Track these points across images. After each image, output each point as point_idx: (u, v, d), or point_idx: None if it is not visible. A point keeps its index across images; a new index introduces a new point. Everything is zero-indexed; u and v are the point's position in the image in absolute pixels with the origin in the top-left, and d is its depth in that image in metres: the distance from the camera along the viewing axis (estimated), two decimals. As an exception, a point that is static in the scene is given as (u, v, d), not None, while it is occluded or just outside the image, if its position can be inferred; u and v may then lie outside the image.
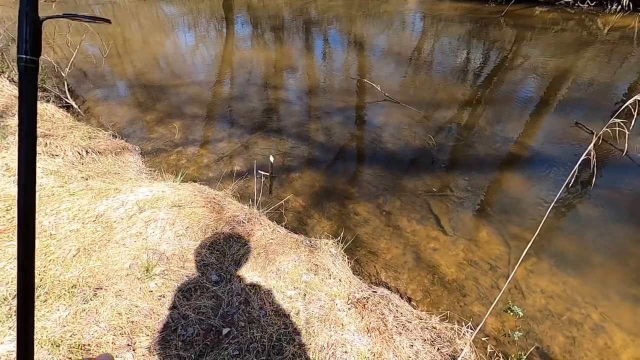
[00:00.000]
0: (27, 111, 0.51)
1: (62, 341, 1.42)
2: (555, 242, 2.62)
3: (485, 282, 2.36)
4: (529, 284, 2.34)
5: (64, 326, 1.48)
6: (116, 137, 3.91)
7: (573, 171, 1.07)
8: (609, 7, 8.32)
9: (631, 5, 8.06)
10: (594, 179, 2.78)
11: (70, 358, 1.35)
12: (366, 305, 1.65)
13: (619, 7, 8.20)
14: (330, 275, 1.87)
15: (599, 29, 7.32)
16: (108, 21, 0.62)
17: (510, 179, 3.28)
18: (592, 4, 8.53)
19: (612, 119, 1.01)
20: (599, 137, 1.05)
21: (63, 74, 4.49)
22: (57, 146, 3.02)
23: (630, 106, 0.96)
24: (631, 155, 3.38)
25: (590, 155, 1.01)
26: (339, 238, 2.38)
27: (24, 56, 0.51)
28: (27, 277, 0.54)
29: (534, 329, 2.07)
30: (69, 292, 1.65)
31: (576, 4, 8.65)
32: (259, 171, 3.16)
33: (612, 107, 4.35)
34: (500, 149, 3.65)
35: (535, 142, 3.76)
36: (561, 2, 8.79)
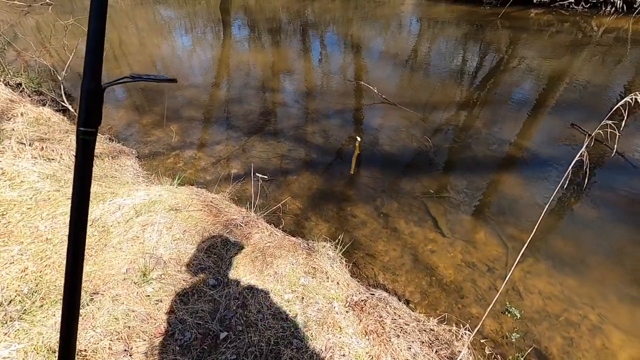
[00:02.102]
0: (80, 178, 0.54)
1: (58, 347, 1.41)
2: (552, 243, 2.63)
3: (483, 284, 2.37)
4: (526, 285, 2.34)
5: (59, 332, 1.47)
6: (113, 140, 3.90)
7: (567, 172, 1.08)
8: (603, 9, 8.39)
9: (625, 7, 8.13)
10: (587, 180, 2.81)
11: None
12: (364, 308, 1.65)
13: (613, 9, 8.26)
14: (328, 278, 1.86)
15: (594, 30, 7.38)
16: (174, 81, 0.60)
17: (507, 180, 3.29)
18: (587, 6, 8.60)
19: (604, 121, 1.02)
20: (592, 139, 1.06)
21: (59, 78, 4.47)
22: (53, 150, 3.01)
23: (621, 107, 0.97)
24: (627, 157, 3.40)
25: (583, 157, 1.02)
26: (337, 240, 2.38)
27: (83, 128, 0.52)
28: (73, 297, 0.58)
29: (531, 330, 2.07)
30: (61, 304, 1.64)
31: (571, 6, 8.72)
32: (257, 174, 3.16)
33: (607, 109, 4.38)
34: (497, 151, 3.67)
35: (531, 144, 3.78)
36: (556, 4, 8.85)
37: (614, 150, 3.03)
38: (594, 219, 2.82)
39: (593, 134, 1.08)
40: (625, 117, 1.03)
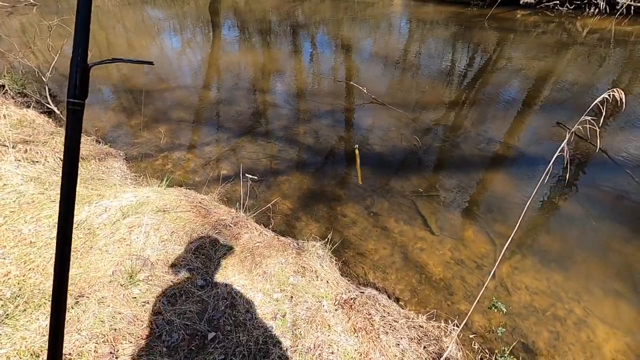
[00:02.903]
0: (70, 146, 0.60)
1: (42, 351, 1.39)
2: (539, 240, 2.67)
3: (471, 281, 2.39)
4: (514, 281, 2.37)
5: (44, 335, 1.44)
6: (100, 142, 3.84)
7: (548, 168, 1.10)
8: (587, 10, 8.56)
9: (607, 8, 8.31)
10: (568, 175, 2.86)
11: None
12: (353, 306, 1.65)
13: (597, 10, 8.44)
14: (317, 277, 1.86)
15: (578, 31, 7.53)
16: (151, 63, 0.74)
17: (495, 178, 3.33)
18: (571, 7, 8.77)
19: (582, 117, 1.04)
20: (572, 134, 1.08)
21: (44, 79, 4.39)
22: (37, 152, 2.96)
23: (599, 104, 0.99)
24: (610, 154, 3.47)
25: (563, 152, 1.04)
26: (326, 240, 2.38)
27: (72, 100, 0.60)
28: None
29: (519, 325, 2.10)
30: (48, 301, 1.61)
31: (556, 8, 8.88)
32: (246, 174, 3.14)
33: (594, 107, 4.46)
34: (485, 149, 3.71)
35: (518, 142, 3.83)
36: (541, 5, 9.01)
37: (598, 147, 3.09)
38: (578, 215, 2.87)
39: (573, 130, 1.10)
40: (604, 113, 1.06)
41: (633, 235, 2.66)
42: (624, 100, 0.96)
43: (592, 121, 0.97)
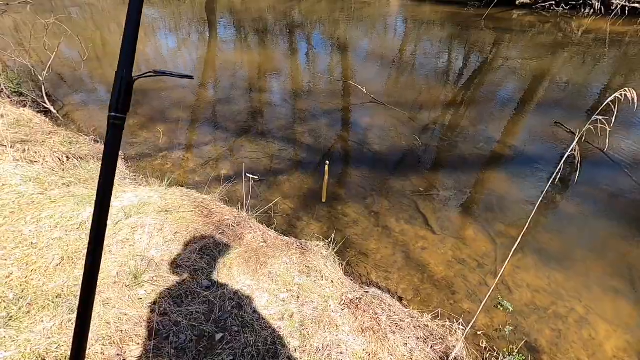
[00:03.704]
0: (109, 160, 0.60)
1: (47, 353, 1.37)
2: (539, 238, 2.69)
3: (473, 280, 2.40)
4: (515, 279, 2.39)
5: (49, 337, 1.43)
6: (98, 142, 3.81)
7: (559, 168, 1.11)
8: (583, 10, 8.64)
9: (602, 9, 8.39)
10: (577, 175, 2.88)
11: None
12: (359, 306, 1.65)
13: (592, 10, 8.52)
14: (322, 277, 1.86)
15: (574, 31, 7.59)
16: (192, 77, 0.71)
17: (494, 177, 3.36)
18: (567, 8, 8.84)
19: (594, 116, 1.05)
20: (583, 133, 1.09)
21: (40, 78, 4.35)
22: (36, 152, 2.93)
23: (610, 103, 1.00)
24: (608, 153, 3.51)
25: (574, 151, 1.04)
26: (329, 240, 2.38)
27: (113, 114, 0.59)
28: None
29: (521, 323, 2.12)
30: (53, 303, 1.59)
31: (552, 8, 8.95)
32: (247, 174, 3.13)
33: (589, 107, 4.51)
34: (484, 149, 3.74)
35: (517, 142, 3.86)
36: (537, 5, 9.08)
37: (605, 147, 3.12)
38: (577, 213, 2.90)
39: (584, 129, 1.11)
40: (615, 113, 1.07)
41: (631, 234, 2.69)
42: (635, 100, 0.96)
43: (603, 120, 0.97)
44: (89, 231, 1.88)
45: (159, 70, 0.63)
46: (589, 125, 1.05)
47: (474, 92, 5.09)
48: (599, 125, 0.98)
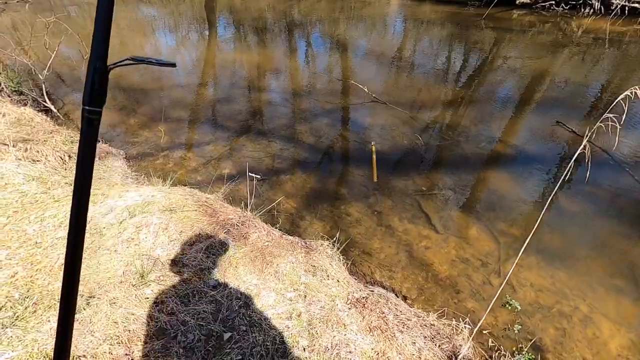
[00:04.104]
0: (85, 159, 0.55)
1: (55, 353, 1.36)
2: (542, 237, 2.69)
3: (477, 279, 2.41)
4: (519, 278, 2.40)
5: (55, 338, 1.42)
6: (99, 141, 3.80)
7: (569, 166, 1.11)
8: (582, 10, 8.66)
9: (602, 9, 8.42)
10: (588, 174, 2.88)
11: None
12: (366, 305, 1.65)
13: (592, 10, 8.55)
14: (328, 276, 1.86)
15: (574, 31, 7.61)
16: (174, 65, 0.63)
17: (496, 176, 3.36)
18: (567, 8, 8.86)
19: (605, 114, 1.05)
20: (593, 131, 1.09)
21: (41, 77, 4.32)
22: (38, 151, 2.91)
23: (621, 101, 1.00)
24: (609, 152, 3.52)
25: (585, 149, 1.05)
26: (334, 239, 2.38)
27: (88, 107, 0.53)
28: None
29: (525, 322, 2.12)
30: (59, 302, 1.58)
31: (552, 8, 8.97)
32: (250, 173, 3.13)
33: (589, 106, 4.53)
34: (486, 148, 3.74)
35: (518, 141, 3.87)
36: (537, 5, 9.09)
37: (615, 145, 3.11)
38: (579, 213, 2.91)
39: (595, 126, 1.11)
40: (626, 111, 1.07)
41: (633, 233, 2.70)
42: (641, 98, 0.97)
43: (614, 118, 0.98)
44: (93, 230, 1.86)
45: (138, 57, 0.57)
46: (600, 122, 1.05)
47: (474, 91, 5.10)
48: (610, 123, 0.99)
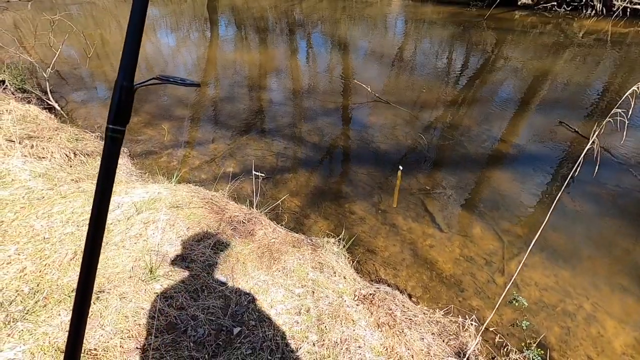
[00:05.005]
0: (106, 176, 0.54)
1: (66, 347, 1.37)
2: (546, 236, 2.70)
3: (481, 277, 2.42)
4: (523, 277, 2.40)
5: (67, 331, 1.43)
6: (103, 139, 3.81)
7: (578, 162, 1.12)
8: (584, 11, 8.68)
9: (604, 10, 8.44)
10: (596, 171, 2.88)
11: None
12: (373, 301, 1.66)
13: (593, 11, 8.57)
14: (334, 272, 1.87)
15: (575, 32, 7.63)
16: (198, 85, 0.64)
17: (500, 176, 3.37)
18: (568, 9, 8.88)
19: (614, 109, 1.06)
20: (602, 128, 1.10)
21: (45, 75, 4.34)
22: (43, 148, 2.92)
23: (629, 96, 1.02)
24: (612, 152, 3.53)
25: (594, 145, 1.06)
26: (340, 237, 2.39)
27: (112, 126, 0.53)
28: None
29: (530, 320, 2.13)
30: (69, 296, 1.60)
31: (553, 9, 8.99)
32: (255, 172, 3.14)
33: (591, 106, 4.54)
34: (489, 147, 3.75)
35: (521, 141, 3.88)
36: (539, 6, 9.11)
37: (623, 139, 3.09)
38: (583, 212, 2.92)
39: (605, 122, 1.12)
40: (632, 106, 1.08)
41: (636, 232, 2.71)
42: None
43: (622, 113, 0.99)
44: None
45: (163, 76, 0.57)
46: (609, 118, 1.06)
47: (476, 91, 5.11)
48: (619, 118, 1.00)
